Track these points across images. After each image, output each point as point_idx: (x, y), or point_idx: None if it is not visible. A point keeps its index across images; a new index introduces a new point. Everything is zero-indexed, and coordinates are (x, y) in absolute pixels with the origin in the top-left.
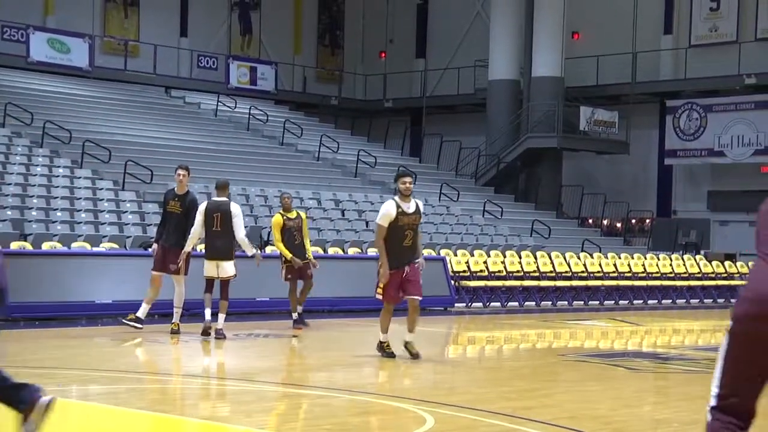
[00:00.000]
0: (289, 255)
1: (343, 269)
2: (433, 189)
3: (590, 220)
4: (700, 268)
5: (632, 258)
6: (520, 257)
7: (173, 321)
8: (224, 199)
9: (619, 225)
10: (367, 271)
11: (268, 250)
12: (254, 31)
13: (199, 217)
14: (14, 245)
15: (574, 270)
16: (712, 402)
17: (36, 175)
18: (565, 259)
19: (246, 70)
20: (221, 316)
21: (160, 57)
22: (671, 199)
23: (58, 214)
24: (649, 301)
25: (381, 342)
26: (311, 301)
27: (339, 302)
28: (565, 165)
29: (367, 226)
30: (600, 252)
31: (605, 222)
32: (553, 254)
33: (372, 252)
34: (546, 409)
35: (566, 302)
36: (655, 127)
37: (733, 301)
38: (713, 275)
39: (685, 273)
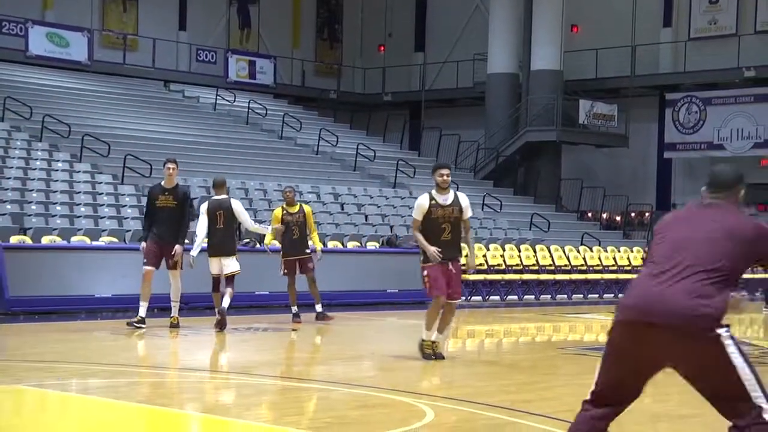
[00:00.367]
0: (261, 231)
1: (342, 263)
2: (432, 183)
3: (589, 214)
4: None
5: (631, 251)
6: (519, 251)
7: (172, 315)
8: (224, 196)
9: (618, 218)
10: (367, 264)
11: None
12: (253, 24)
13: (203, 216)
14: (14, 239)
15: (573, 263)
16: (588, 396)
17: (35, 169)
18: (564, 252)
19: (245, 63)
20: (227, 299)
21: (159, 51)
22: (670, 193)
23: (58, 208)
24: None
25: (423, 341)
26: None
27: (338, 296)
28: (564, 158)
29: (366, 220)
30: (599, 245)
31: (604, 215)
32: (552, 248)
33: (371, 245)
34: (545, 403)
35: (565, 296)
36: (654, 121)
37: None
38: None
39: None
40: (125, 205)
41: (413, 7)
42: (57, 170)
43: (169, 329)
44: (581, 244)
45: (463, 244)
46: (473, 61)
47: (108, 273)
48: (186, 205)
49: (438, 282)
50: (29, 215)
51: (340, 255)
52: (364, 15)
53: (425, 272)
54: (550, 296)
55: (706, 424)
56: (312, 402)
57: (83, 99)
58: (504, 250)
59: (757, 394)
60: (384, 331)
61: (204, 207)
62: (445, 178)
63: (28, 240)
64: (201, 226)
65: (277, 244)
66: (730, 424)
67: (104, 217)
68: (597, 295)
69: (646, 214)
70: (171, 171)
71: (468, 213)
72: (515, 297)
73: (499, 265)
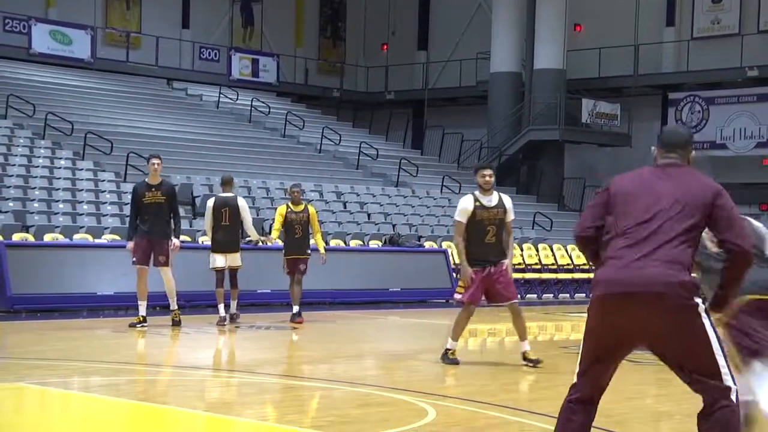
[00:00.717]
0: (256, 238)
1: (344, 261)
2: (434, 181)
3: None
4: None
5: None
6: (522, 250)
7: (172, 309)
8: (231, 194)
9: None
10: (369, 263)
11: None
12: (256, 23)
13: (209, 213)
14: (16, 237)
15: (576, 262)
16: (574, 378)
17: (38, 166)
18: (567, 251)
19: (248, 62)
20: (234, 302)
21: (162, 49)
22: None
23: (60, 205)
24: None
25: (448, 349)
26: (312, 293)
27: (340, 294)
28: (566, 157)
29: (368, 219)
30: None
31: None
32: (555, 246)
33: (374, 244)
34: (547, 401)
35: (568, 294)
36: (657, 120)
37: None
38: None
39: None
40: (128, 203)
41: (416, 6)
42: (60, 168)
43: (171, 327)
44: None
45: None
46: (476, 60)
47: (110, 271)
48: (174, 199)
49: (475, 293)
50: (32, 213)
51: (342, 253)
52: (367, 13)
53: (460, 281)
54: (552, 295)
55: None
56: (314, 400)
57: (86, 97)
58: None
59: (725, 371)
60: (386, 330)
61: (210, 203)
62: (488, 179)
63: (30, 237)
64: (208, 223)
65: (279, 243)
66: (703, 406)
67: (107, 215)
68: None
69: None
70: (156, 166)
71: (511, 215)
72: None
73: None
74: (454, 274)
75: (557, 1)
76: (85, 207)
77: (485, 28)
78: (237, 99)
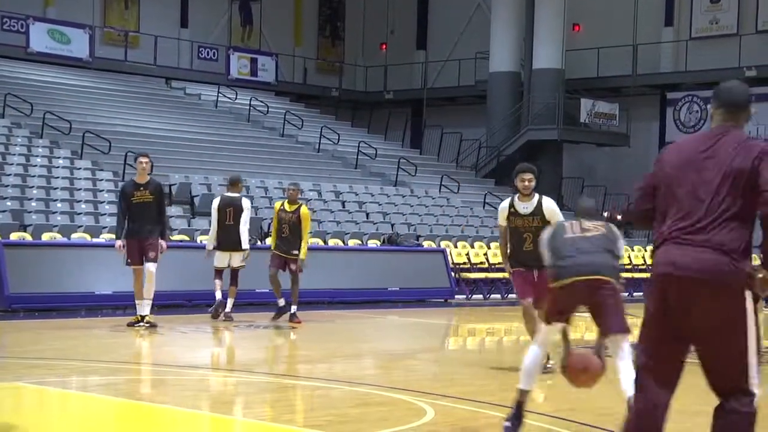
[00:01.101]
0: (246, 248)
1: (343, 261)
2: (433, 181)
3: None
4: None
5: (632, 250)
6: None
7: (145, 314)
8: (236, 194)
9: (619, 217)
10: (367, 263)
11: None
12: (255, 22)
13: (214, 212)
14: (14, 236)
15: None
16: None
17: (36, 165)
18: None
19: (246, 61)
20: (230, 301)
21: (161, 48)
22: None
23: (58, 204)
24: None
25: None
26: (312, 293)
27: (339, 294)
28: (565, 157)
29: (367, 218)
30: None
31: (605, 214)
32: None
33: (372, 244)
34: (546, 401)
35: None
36: (655, 120)
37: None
38: None
39: None
40: None
41: (415, 5)
42: (58, 167)
43: (147, 328)
44: None
45: None
46: (475, 60)
47: (108, 270)
48: (162, 198)
49: (521, 288)
50: (29, 212)
51: (341, 253)
52: (366, 13)
53: (512, 278)
54: None
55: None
56: (312, 400)
57: (84, 96)
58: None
59: (753, 375)
60: (384, 329)
61: (216, 202)
62: (526, 183)
63: (28, 237)
64: (212, 220)
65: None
66: (720, 404)
67: (105, 214)
68: None
69: None
70: (145, 165)
71: (556, 218)
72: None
73: (500, 263)
74: (453, 274)
75: (556, 1)
76: (83, 206)
77: (484, 27)
78: (235, 98)
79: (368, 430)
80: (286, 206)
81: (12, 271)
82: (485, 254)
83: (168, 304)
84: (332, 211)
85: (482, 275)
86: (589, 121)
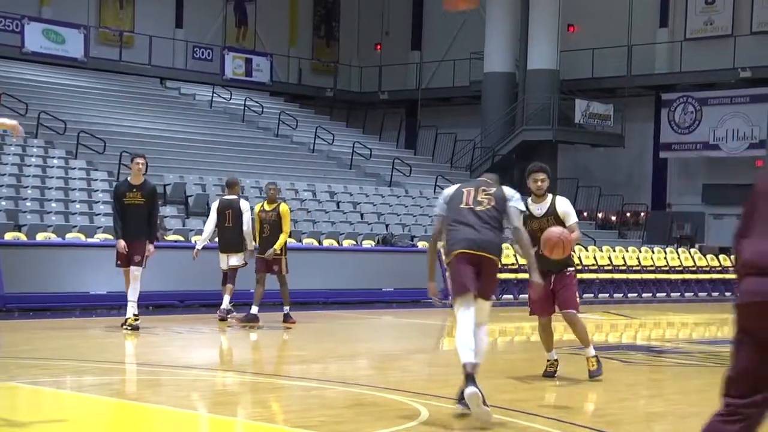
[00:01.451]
0: (251, 247)
1: (337, 261)
2: (428, 181)
3: (585, 213)
4: (694, 262)
5: (627, 251)
6: (514, 250)
7: (133, 315)
8: (234, 196)
9: (613, 218)
10: (362, 263)
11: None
12: (250, 22)
13: (213, 214)
14: (8, 236)
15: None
16: (720, 406)
17: (30, 165)
18: None
19: (241, 61)
20: (226, 298)
21: (155, 48)
22: (666, 193)
23: (53, 204)
24: (644, 295)
25: (548, 360)
26: (307, 293)
27: (333, 294)
28: (560, 158)
29: (362, 219)
30: (594, 245)
31: (600, 215)
32: None
33: (367, 244)
34: (540, 402)
35: None
36: (650, 121)
37: (727, 294)
38: (708, 269)
39: (679, 266)
40: None
41: (410, 6)
42: (52, 167)
43: (130, 330)
44: (577, 244)
45: None
46: (470, 60)
47: (103, 270)
48: (155, 201)
49: (535, 302)
50: (24, 212)
51: (335, 253)
52: (360, 13)
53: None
54: None
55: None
56: (307, 400)
57: (79, 96)
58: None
59: None
60: (379, 330)
61: (215, 205)
62: (539, 184)
63: (22, 237)
64: (209, 223)
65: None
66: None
67: (99, 214)
68: (592, 295)
69: (642, 213)
70: (141, 166)
71: (570, 219)
72: (511, 296)
73: None
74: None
75: (551, 2)
76: (78, 206)
77: (479, 28)
78: (230, 98)
79: (363, 430)
80: (266, 206)
81: (7, 271)
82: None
83: (162, 304)
84: (327, 212)
85: None
86: (583, 122)
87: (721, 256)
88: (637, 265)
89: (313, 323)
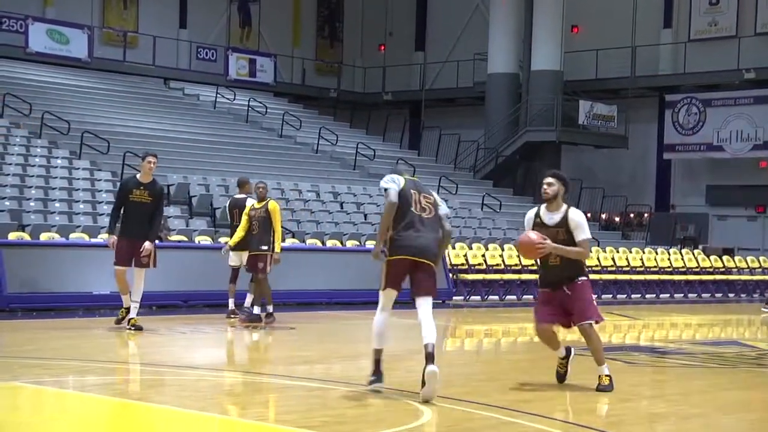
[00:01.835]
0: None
1: (341, 262)
2: (431, 182)
3: (588, 214)
4: (698, 263)
5: (630, 252)
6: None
7: (131, 317)
8: (243, 195)
9: (617, 219)
10: (366, 264)
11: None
12: (253, 23)
13: (227, 214)
14: (12, 236)
15: None
16: None
17: (34, 165)
18: None
19: (245, 62)
20: (249, 297)
21: (159, 48)
22: (670, 194)
23: (57, 204)
24: (647, 296)
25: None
26: (310, 293)
27: (337, 295)
28: (563, 159)
29: (365, 219)
30: (598, 246)
31: (603, 216)
32: None
33: (370, 244)
34: (543, 403)
35: None
36: (654, 122)
37: (731, 295)
38: (711, 270)
39: (683, 267)
40: None
41: (414, 7)
42: (56, 167)
43: (134, 330)
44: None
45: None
46: (473, 61)
47: (106, 270)
48: (161, 201)
49: (539, 309)
50: (28, 212)
51: (339, 254)
52: (364, 14)
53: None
54: None
55: (708, 424)
56: (309, 400)
57: (83, 96)
58: (503, 249)
59: None
60: None
61: (226, 205)
62: (545, 188)
63: (26, 236)
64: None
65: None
66: None
67: (103, 214)
68: (595, 296)
69: (645, 215)
70: (152, 165)
71: (581, 234)
72: (514, 297)
73: (497, 264)
74: (451, 275)
75: (555, 3)
76: (82, 206)
77: (482, 29)
78: (234, 99)
79: (365, 430)
80: (255, 204)
81: (10, 270)
82: (483, 256)
83: (165, 304)
84: (330, 212)
85: (480, 276)
86: (587, 123)
87: (724, 258)
88: (641, 266)
89: (317, 323)
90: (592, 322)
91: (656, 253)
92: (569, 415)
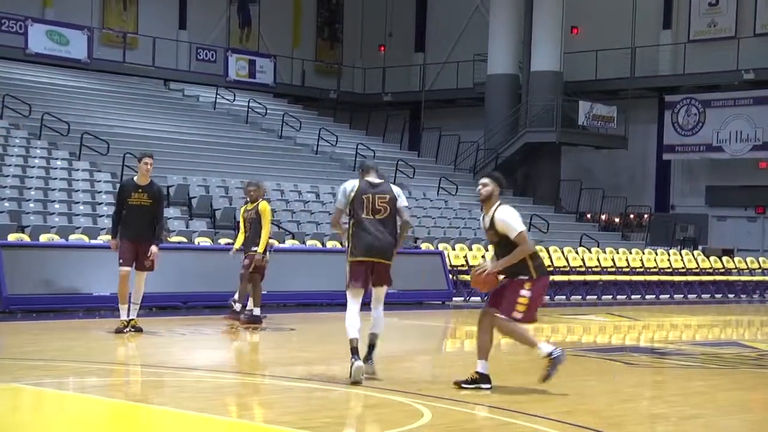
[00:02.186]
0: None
1: (341, 263)
2: (431, 183)
3: (588, 215)
4: (697, 264)
5: (630, 253)
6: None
7: (131, 318)
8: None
9: (617, 220)
10: None
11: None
12: (253, 24)
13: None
14: (12, 237)
15: (572, 264)
16: None
17: (34, 167)
18: (563, 253)
19: (245, 63)
20: (250, 299)
21: (159, 49)
22: (669, 194)
23: (56, 206)
24: (647, 296)
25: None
26: (310, 295)
27: (337, 296)
28: (563, 160)
29: None
30: (598, 247)
31: (603, 217)
32: (551, 249)
33: None
34: (543, 404)
35: (564, 297)
36: (653, 122)
37: (730, 296)
38: (711, 270)
39: (682, 268)
40: None
41: (413, 8)
42: (56, 168)
43: (132, 332)
44: (580, 246)
45: None
46: (473, 62)
47: (106, 271)
48: (162, 203)
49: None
50: (27, 213)
51: (339, 255)
52: (364, 15)
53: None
54: (548, 297)
55: (708, 425)
56: (310, 401)
57: (83, 97)
58: None
59: None
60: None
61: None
62: (479, 189)
63: (26, 238)
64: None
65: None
66: None
67: (103, 215)
68: (595, 297)
69: (645, 215)
70: (149, 166)
71: (511, 232)
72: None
73: None
74: (451, 276)
75: (554, 4)
76: (81, 207)
77: (482, 30)
78: (234, 100)
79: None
80: (248, 206)
81: (10, 272)
82: (483, 256)
83: (165, 305)
84: (330, 213)
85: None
86: (587, 124)
87: (724, 258)
88: (641, 267)
89: (317, 324)
90: (504, 316)
91: (656, 254)
92: (569, 415)
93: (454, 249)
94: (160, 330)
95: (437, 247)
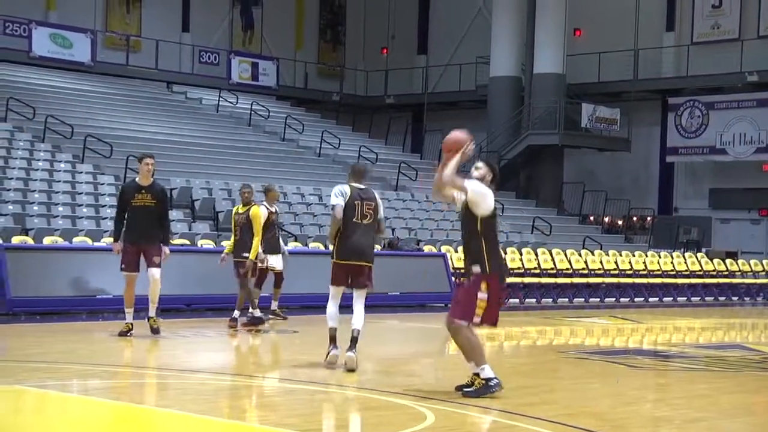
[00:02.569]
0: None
1: None
2: (428, 187)
3: (591, 218)
4: (701, 266)
5: (633, 255)
6: (521, 254)
7: (151, 316)
8: (264, 202)
9: (620, 222)
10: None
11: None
12: (256, 26)
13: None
14: (16, 240)
15: (575, 267)
16: None
17: (38, 169)
18: (566, 256)
19: (247, 65)
20: (275, 303)
21: (162, 52)
22: (672, 197)
23: (60, 208)
24: (650, 299)
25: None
26: (313, 297)
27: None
28: (566, 162)
29: None
30: (601, 249)
31: (606, 219)
32: (554, 251)
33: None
34: (546, 406)
35: (567, 299)
36: (656, 125)
37: (734, 299)
38: (714, 273)
39: (686, 271)
40: None
41: (416, 10)
42: (59, 171)
43: (151, 335)
44: (583, 248)
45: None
46: (476, 64)
47: (109, 274)
48: (166, 202)
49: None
50: (31, 216)
51: None
52: (366, 17)
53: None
54: (551, 300)
55: (711, 428)
56: (312, 404)
57: (86, 100)
58: (506, 253)
59: None
60: (385, 334)
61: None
62: (472, 170)
63: (30, 240)
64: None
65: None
66: None
67: (106, 218)
68: (598, 299)
69: (648, 218)
70: (150, 167)
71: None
72: (517, 300)
73: None
74: (454, 279)
75: (557, 6)
76: (85, 210)
77: (485, 32)
78: (236, 102)
79: None
80: (240, 209)
81: (14, 274)
82: None
83: (168, 308)
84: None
85: None
86: (590, 126)
87: (727, 261)
88: (644, 270)
89: (319, 327)
90: (457, 320)
91: (659, 257)
92: (573, 418)
93: (456, 251)
94: (164, 332)
95: (440, 250)
